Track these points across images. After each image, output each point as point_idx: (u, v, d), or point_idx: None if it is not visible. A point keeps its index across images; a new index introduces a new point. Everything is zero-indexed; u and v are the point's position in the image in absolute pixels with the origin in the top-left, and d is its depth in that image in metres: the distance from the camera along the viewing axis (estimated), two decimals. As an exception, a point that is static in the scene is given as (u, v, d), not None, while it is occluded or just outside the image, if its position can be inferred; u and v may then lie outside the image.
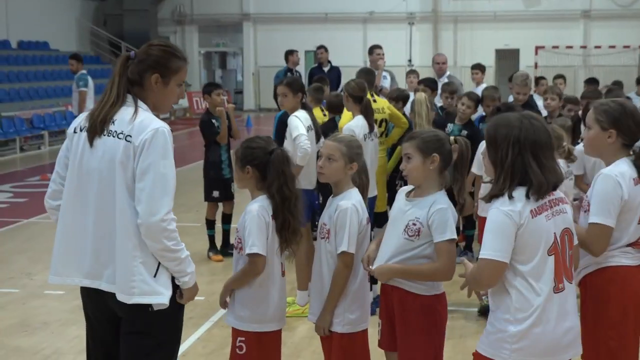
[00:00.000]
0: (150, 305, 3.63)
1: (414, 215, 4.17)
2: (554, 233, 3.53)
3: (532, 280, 3.47)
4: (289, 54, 15.49)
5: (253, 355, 4.43)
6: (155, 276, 3.63)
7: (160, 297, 3.64)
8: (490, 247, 3.44)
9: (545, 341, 3.50)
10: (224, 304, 4.55)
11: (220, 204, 9.28)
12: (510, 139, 3.51)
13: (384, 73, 12.62)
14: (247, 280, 4.42)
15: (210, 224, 9.22)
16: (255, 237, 4.32)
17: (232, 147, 8.29)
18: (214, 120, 9.05)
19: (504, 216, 3.44)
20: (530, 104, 8.88)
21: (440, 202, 4.15)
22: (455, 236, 4.12)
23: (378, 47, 12.63)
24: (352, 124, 7.28)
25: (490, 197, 3.56)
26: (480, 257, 3.49)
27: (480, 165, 6.60)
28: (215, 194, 9.09)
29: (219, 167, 9.02)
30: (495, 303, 3.58)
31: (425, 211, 4.13)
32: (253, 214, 4.36)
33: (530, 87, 9.26)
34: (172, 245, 3.58)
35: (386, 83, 12.23)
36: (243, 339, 4.44)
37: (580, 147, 6.26)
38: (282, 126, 7.85)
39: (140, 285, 3.59)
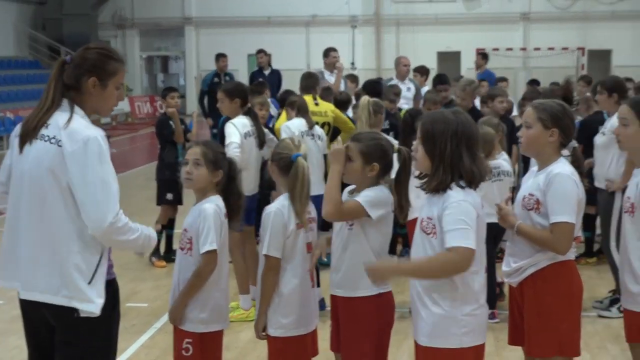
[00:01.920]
0: (76, 311, 3.59)
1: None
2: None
3: (475, 267, 3.66)
4: (218, 58, 15.40)
5: (198, 356, 4.41)
6: (90, 283, 3.60)
7: (92, 305, 3.61)
8: (466, 237, 3.55)
9: (485, 321, 3.79)
10: (179, 320, 4.44)
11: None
12: (449, 132, 3.66)
13: (333, 76, 12.54)
14: (204, 282, 4.39)
15: (165, 228, 9.09)
16: (215, 234, 4.35)
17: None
18: (171, 122, 9.10)
19: (472, 207, 3.60)
20: (474, 109, 8.97)
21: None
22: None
23: (333, 49, 12.66)
24: (288, 122, 7.65)
25: (432, 190, 3.70)
26: (455, 247, 3.54)
27: None
28: (169, 196, 8.97)
29: (175, 169, 8.91)
30: (438, 292, 3.69)
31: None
32: (210, 212, 4.38)
33: (473, 94, 9.25)
34: (128, 236, 3.62)
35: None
36: (190, 340, 4.41)
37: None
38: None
39: (72, 291, 3.57)
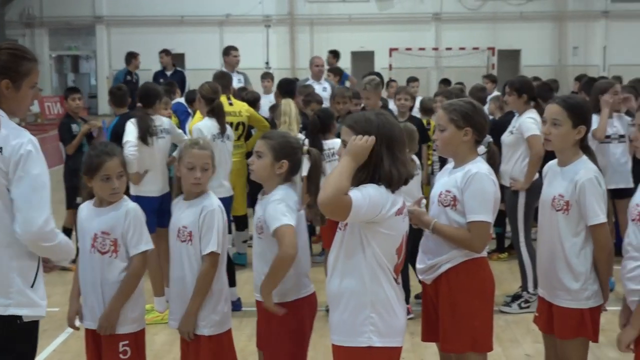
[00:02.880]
0: (19, 318, 3.54)
1: (259, 214, 4.36)
2: (402, 235, 3.77)
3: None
4: (131, 56, 15.15)
5: (136, 356, 4.44)
6: (32, 286, 3.57)
7: (38, 309, 3.60)
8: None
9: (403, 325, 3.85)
10: (113, 329, 4.39)
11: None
12: (370, 133, 3.63)
13: (238, 75, 12.56)
14: (137, 284, 4.41)
15: (69, 232, 8.88)
16: (145, 235, 4.43)
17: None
18: (74, 125, 8.82)
19: (385, 197, 3.61)
20: (385, 107, 9.04)
21: (275, 194, 4.29)
22: (292, 222, 4.17)
23: (233, 48, 12.55)
24: (200, 124, 7.51)
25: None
26: None
27: None
28: (79, 200, 8.75)
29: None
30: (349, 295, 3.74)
31: (264, 209, 4.29)
32: (137, 213, 4.43)
33: (376, 91, 9.15)
34: (54, 243, 3.58)
35: (240, 85, 12.17)
36: (127, 342, 4.40)
37: None
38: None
39: (17, 297, 3.52)
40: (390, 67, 28.04)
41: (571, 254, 4.37)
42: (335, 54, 15.41)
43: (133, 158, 6.85)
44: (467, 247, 4.28)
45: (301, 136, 7.37)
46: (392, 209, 3.64)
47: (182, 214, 4.53)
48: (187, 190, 4.56)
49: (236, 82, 11.89)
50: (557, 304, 4.45)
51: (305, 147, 4.49)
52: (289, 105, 7.94)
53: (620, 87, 8.08)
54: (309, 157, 4.38)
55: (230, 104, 8.41)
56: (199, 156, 4.48)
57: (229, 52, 12.52)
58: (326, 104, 10.64)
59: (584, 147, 4.48)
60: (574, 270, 4.37)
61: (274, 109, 9.09)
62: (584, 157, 4.44)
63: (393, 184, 3.66)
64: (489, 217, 4.26)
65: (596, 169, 4.39)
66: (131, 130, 7.05)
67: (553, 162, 4.63)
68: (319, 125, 7.00)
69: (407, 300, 6.65)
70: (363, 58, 29.34)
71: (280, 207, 4.17)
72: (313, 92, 9.41)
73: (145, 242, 4.40)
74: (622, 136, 7.92)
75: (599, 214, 4.30)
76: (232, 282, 6.51)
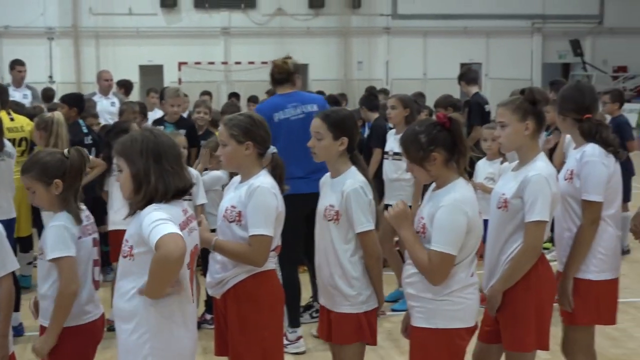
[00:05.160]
0: None
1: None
2: (191, 250, 3.71)
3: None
4: None
5: None
6: None
7: None
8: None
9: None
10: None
11: None
12: (136, 151, 3.62)
13: (25, 91, 12.09)
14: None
15: None
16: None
17: None
18: None
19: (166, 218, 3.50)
20: (183, 119, 9.00)
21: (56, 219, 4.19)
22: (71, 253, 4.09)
23: (19, 62, 12.09)
24: None
25: (135, 212, 3.65)
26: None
27: None
28: None
29: None
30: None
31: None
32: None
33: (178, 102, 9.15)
34: None
35: (27, 101, 11.71)
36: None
37: None
38: None
39: None
40: (180, 81, 27.81)
41: (344, 260, 4.51)
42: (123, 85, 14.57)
43: None
44: (249, 262, 4.33)
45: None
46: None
47: None
48: None
49: (21, 97, 11.42)
50: (336, 311, 4.56)
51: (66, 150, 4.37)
52: (59, 122, 7.69)
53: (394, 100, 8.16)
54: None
55: (12, 119, 8.05)
56: None
57: (14, 66, 12.08)
58: (115, 118, 10.43)
59: (353, 159, 4.64)
60: (348, 276, 4.51)
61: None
62: (353, 169, 4.60)
63: (157, 197, 3.60)
64: (269, 231, 4.32)
65: (364, 180, 4.55)
66: None
67: (326, 175, 4.77)
68: (105, 139, 6.84)
69: (210, 310, 6.61)
70: (152, 72, 28.92)
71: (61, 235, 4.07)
72: (90, 107, 9.28)
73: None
74: (396, 153, 7.84)
75: (364, 222, 4.46)
76: (16, 307, 6.21)
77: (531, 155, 4.51)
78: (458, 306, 4.07)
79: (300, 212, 5.99)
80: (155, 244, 3.38)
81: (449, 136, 4.08)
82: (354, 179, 4.52)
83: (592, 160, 4.67)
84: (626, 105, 16.41)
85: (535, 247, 4.39)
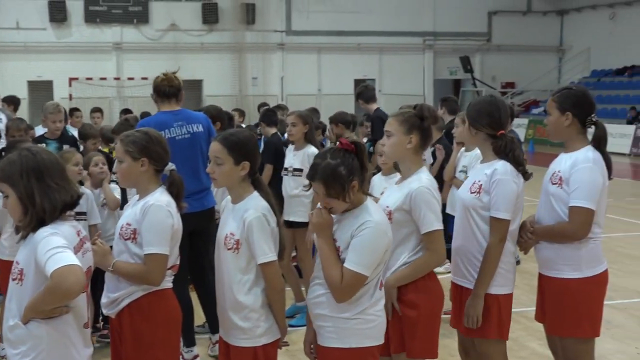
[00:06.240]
0: None
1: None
2: (86, 270, 3.61)
3: None
4: None
5: None
6: None
7: None
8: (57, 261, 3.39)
9: None
10: None
11: None
12: (17, 174, 3.52)
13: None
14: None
15: None
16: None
17: None
18: None
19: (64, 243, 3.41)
20: (64, 135, 8.79)
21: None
22: None
23: None
24: None
25: (26, 235, 3.54)
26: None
27: None
28: None
29: None
30: None
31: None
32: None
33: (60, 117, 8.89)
34: None
35: None
36: None
37: None
38: None
39: None
40: (71, 97, 27.24)
41: (239, 293, 4.22)
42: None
43: None
44: (145, 282, 4.26)
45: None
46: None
47: None
48: None
49: None
50: (233, 344, 4.30)
51: None
52: None
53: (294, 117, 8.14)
54: None
55: None
56: None
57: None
58: (1, 135, 10.11)
59: (255, 183, 4.36)
60: (243, 308, 4.22)
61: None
62: (255, 194, 4.31)
63: (47, 216, 3.52)
64: (165, 250, 4.24)
65: (266, 206, 4.26)
66: None
67: (227, 199, 4.49)
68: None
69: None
70: (41, 87, 28.22)
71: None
72: None
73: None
74: (296, 169, 7.81)
75: (267, 253, 4.17)
76: None
77: (414, 169, 4.56)
78: (370, 324, 4.03)
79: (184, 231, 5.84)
80: (51, 274, 3.29)
81: (357, 161, 4.00)
82: (256, 206, 4.22)
83: (504, 179, 4.66)
84: (515, 120, 16.87)
85: (439, 253, 4.48)
